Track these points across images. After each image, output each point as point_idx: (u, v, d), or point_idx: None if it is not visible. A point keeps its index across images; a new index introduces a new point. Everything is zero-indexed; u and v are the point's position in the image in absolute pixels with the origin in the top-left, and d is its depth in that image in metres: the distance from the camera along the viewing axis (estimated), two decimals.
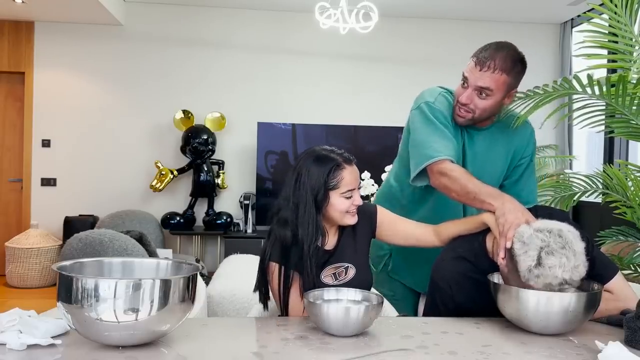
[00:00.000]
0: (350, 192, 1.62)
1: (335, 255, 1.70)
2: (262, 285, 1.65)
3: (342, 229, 1.73)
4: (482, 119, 1.85)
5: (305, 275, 1.59)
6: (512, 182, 1.96)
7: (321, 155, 1.63)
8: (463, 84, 1.80)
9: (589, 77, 1.90)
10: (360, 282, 1.68)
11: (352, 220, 1.65)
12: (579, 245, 1.42)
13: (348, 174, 1.61)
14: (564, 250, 1.39)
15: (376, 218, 1.77)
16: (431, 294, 1.70)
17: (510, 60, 1.74)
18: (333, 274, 1.68)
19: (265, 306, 1.66)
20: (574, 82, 1.92)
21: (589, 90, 1.93)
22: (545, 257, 1.38)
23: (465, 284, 1.62)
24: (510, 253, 1.49)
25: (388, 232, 1.76)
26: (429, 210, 1.97)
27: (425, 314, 1.74)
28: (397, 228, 1.76)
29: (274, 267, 1.61)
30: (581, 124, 2.09)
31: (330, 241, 1.71)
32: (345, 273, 1.69)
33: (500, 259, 1.50)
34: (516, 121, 1.91)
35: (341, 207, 1.62)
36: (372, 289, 1.82)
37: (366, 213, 1.75)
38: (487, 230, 1.64)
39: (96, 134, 5.55)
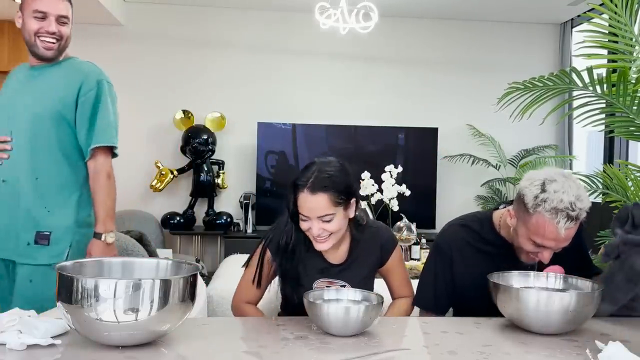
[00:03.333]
0: (304, 216, 1.57)
1: (335, 270, 1.70)
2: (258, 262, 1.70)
3: (351, 247, 1.71)
4: (64, 48, 2.01)
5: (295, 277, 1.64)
6: (80, 120, 1.99)
7: (303, 168, 1.62)
8: (42, 18, 1.92)
9: (590, 71, 1.90)
10: None
11: (317, 246, 1.61)
12: (582, 187, 1.53)
13: (302, 200, 1.57)
14: (566, 180, 1.50)
15: (390, 254, 1.75)
16: (432, 257, 1.75)
17: None
18: (327, 287, 1.67)
19: (257, 283, 1.70)
20: (574, 76, 1.93)
21: (590, 87, 1.93)
22: (549, 184, 1.48)
23: (466, 250, 1.69)
24: (517, 206, 1.56)
25: (384, 273, 1.79)
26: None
27: (420, 280, 1.78)
28: (393, 277, 1.79)
29: (266, 251, 1.68)
30: (583, 122, 2.10)
31: (335, 255, 1.71)
32: None
33: None
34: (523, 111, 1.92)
35: (302, 226, 1.60)
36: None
37: (384, 247, 1.74)
38: (497, 207, 1.74)
39: None
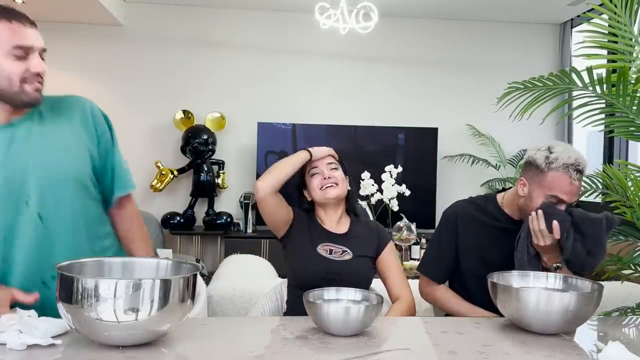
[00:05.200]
0: (314, 167, 1.87)
1: (338, 238, 1.87)
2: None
3: (352, 223, 1.92)
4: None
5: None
6: (102, 166, 1.62)
7: None
8: (25, 55, 1.43)
9: (589, 71, 1.90)
10: (357, 270, 1.82)
11: (329, 192, 1.84)
12: None
13: (313, 159, 1.88)
14: (565, 144, 1.75)
15: (385, 243, 1.92)
16: (439, 228, 1.94)
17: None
18: (330, 249, 1.84)
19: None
20: (574, 76, 1.93)
21: (589, 87, 1.93)
22: (554, 147, 1.72)
23: (470, 222, 1.86)
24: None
25: (381, 267, 1.90)
26: None
27: (427, 248, 1.98)
28: (390, 271, 1.89)
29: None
30: (582, 122, 2.10)
31: (338, 227, 1.90)
32: (341, 254, 1.85)
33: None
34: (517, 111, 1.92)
35: (313, 184, 1.86)
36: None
37: (380, 234, 1.93)
38: (502, 190, 1.93)
39: None
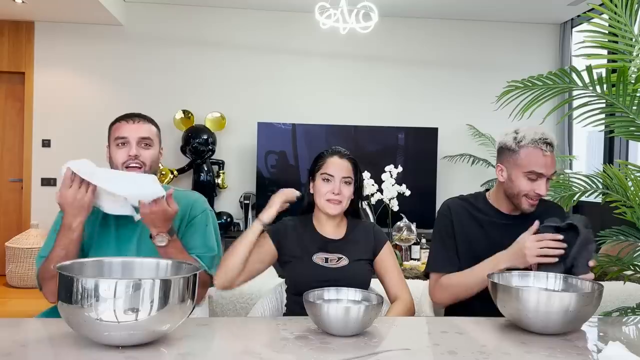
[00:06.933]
0: (329, 175, 1.81)
1: (333, 245, 1.85)
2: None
3: (349, 226, 1.90)
4: (152, 172, 1.86)
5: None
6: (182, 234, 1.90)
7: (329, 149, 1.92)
8: (124, 144, 1.84)
9: (589, 70, 1.91)
10: (354, 275, 1.80)
11: (332, 209, 1.80)
12: None
13: (331, 162, 1.83)
14: (530, 125, 1.81)
15: (382, 243, 1.90)
16: (436, 225, 1.98)
17: (150, 119, 1.97)
18: (325, 258, 1.82)
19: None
20: (574, 75, 1.93)
21: (590, 86, 1.93)
22: (519, 127, 1.81)
23: (462, 216, 1.91)
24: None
25: (378, 268, 1.90)
26: None
27: (430, 248, 1.99)
28: (388, 272, 1.88)
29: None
30: (583, 122, 2.10)
31: (334, 232, 1.87)
32: (337, 261, 1.83)
33: None
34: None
35: (321, 190, 1.81)
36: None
37: (377, 235, 1.91)
38: (488, 189, 1.95)
39: (96, 133, 5.53)
